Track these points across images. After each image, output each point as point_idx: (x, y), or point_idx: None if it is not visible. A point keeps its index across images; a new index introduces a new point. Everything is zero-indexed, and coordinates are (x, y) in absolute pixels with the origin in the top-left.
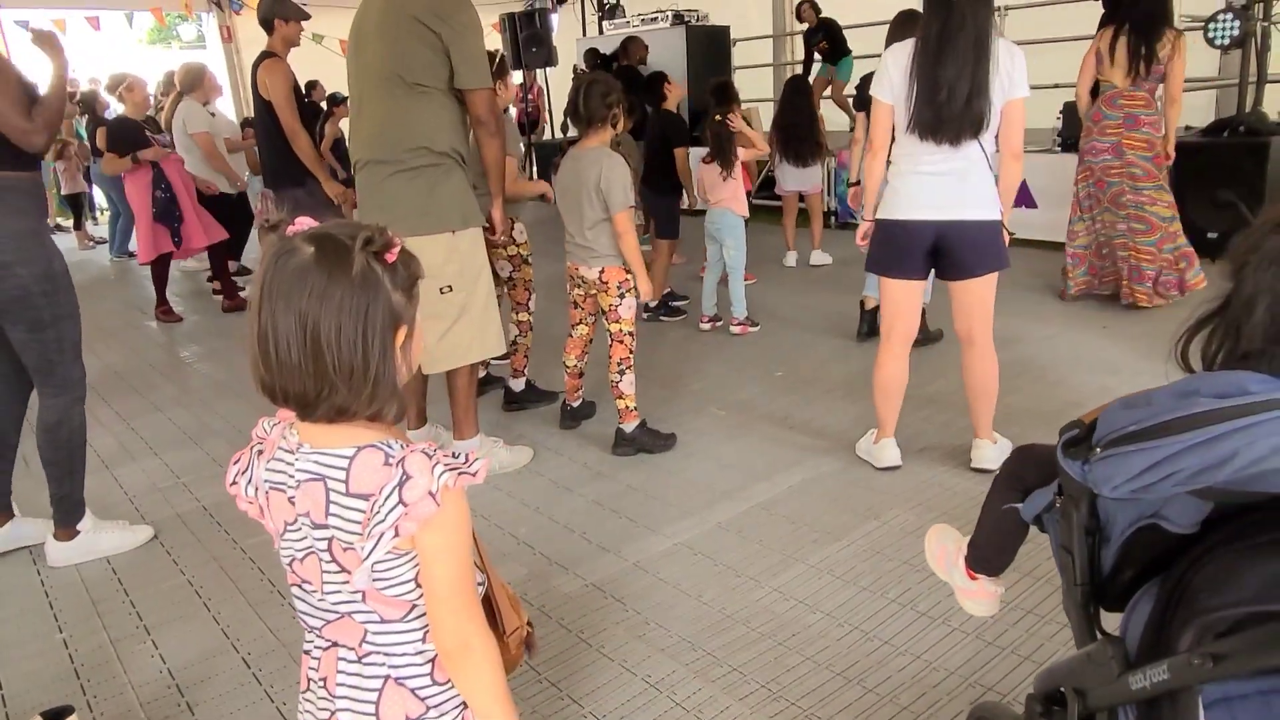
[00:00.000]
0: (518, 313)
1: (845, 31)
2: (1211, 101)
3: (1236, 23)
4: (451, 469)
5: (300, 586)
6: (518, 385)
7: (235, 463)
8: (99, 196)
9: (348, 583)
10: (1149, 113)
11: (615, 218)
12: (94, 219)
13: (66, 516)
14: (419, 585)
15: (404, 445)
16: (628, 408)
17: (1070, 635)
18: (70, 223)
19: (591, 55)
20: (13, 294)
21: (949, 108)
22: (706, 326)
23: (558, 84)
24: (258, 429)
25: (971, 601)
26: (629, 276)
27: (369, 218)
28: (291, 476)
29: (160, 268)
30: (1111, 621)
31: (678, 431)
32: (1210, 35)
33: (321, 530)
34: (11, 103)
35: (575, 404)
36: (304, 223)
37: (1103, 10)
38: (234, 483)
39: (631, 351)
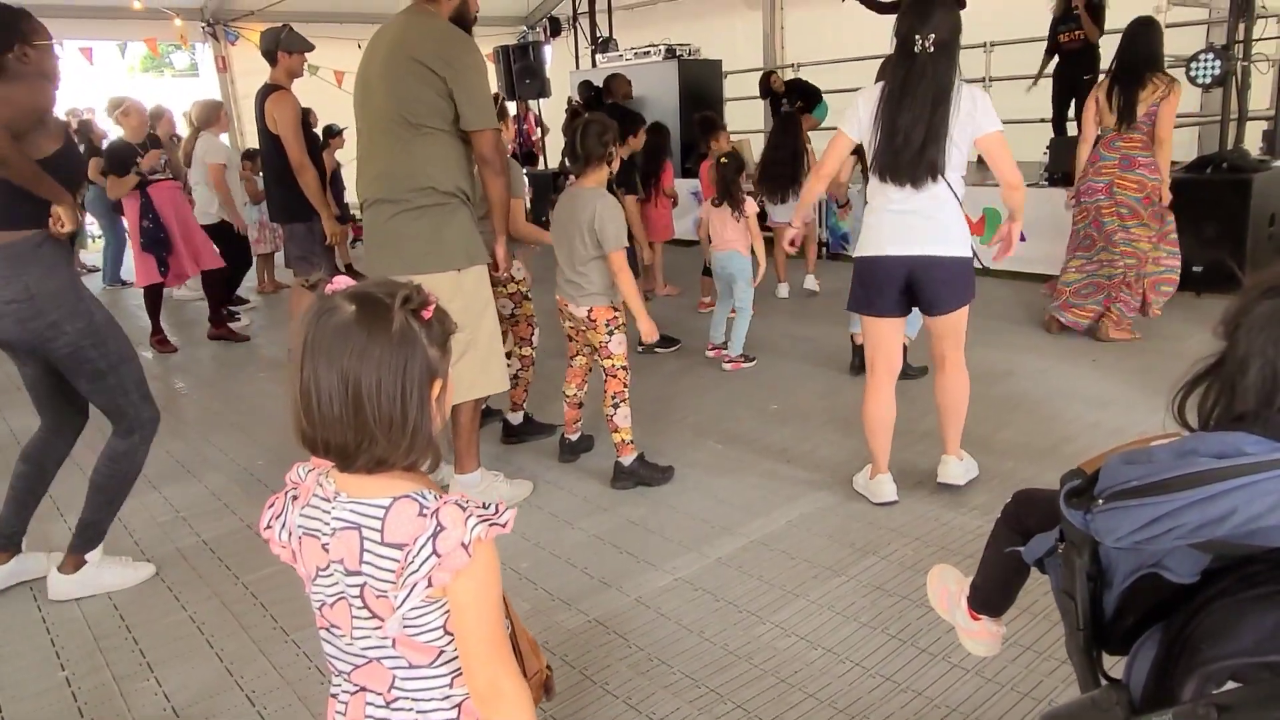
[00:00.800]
0: (521, 347)
1: (816, 68)
2: (1194, 138)
3: (1218, 62)
4: (483, 520)
5: (329, 630)
6: (516, 419)
7: (270, 507)
8: (93, 224)
9: (378, 628)
10: (1145, 154)
11: (610, 257)
12: (83, 246)
13: (84, 544)
14: (448, 632)
15: (438, 496)
16: (624, 441)
17: (1070, 672)
18: None
19: (585, 87)
20: (65, 350)
21: (904, 153)
22: (712, 354)
23: (552, 115)
24: (292, 474)
25: (973, 641)
26: (616, 314)
27: (375, 256)
28: (327, 524)
29: (154, 297)
30: (1112, 663)
31: (676, 465)
32: (1192, 74)
33: (354, 577)
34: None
35: (574, 437)
36: (341, 281)
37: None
38: (268, 527)
39: (625, 385)
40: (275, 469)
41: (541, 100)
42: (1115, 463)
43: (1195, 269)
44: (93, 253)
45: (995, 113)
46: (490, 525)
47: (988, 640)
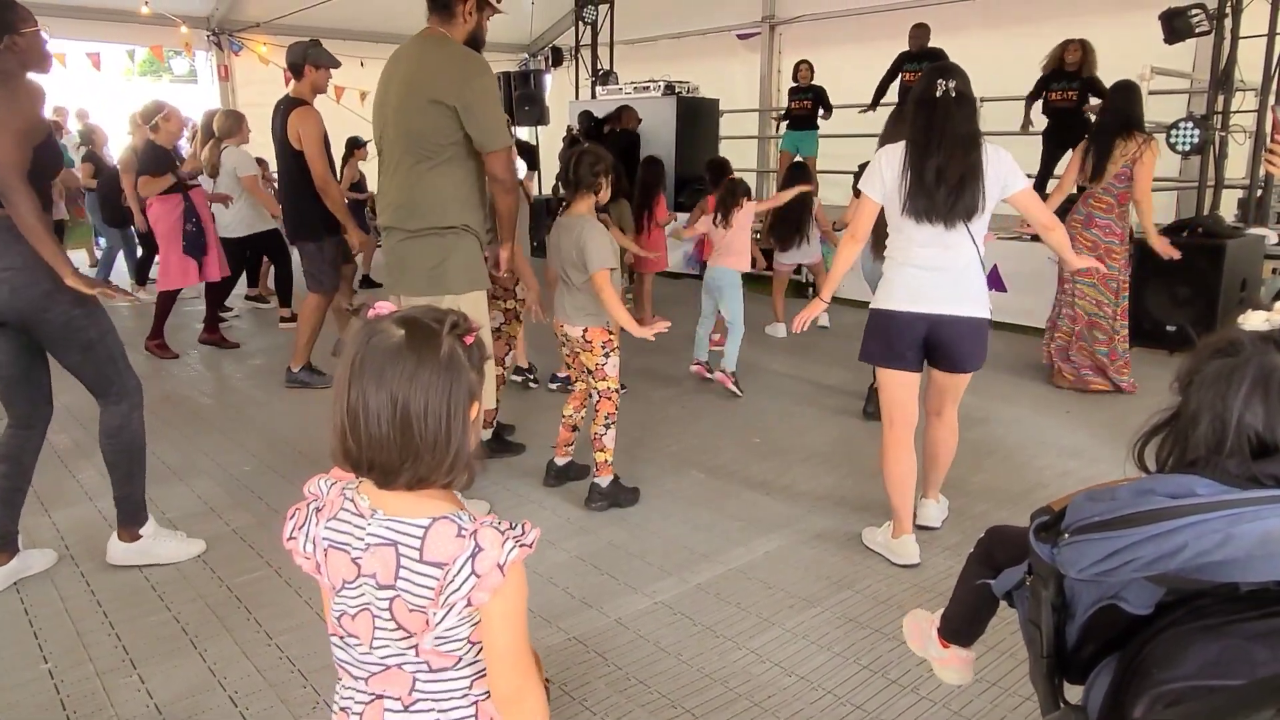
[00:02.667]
0: (496, 364)
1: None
2: (1173, 202)
3: (1197, 131)
4: (517, 542)
5: (343, 639)
6: (485, 435)
7: (291, 518)
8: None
9: (402, 639)
10: (1105, 216)
11: (593, 277)
12: (98, 244)
13: (130, 517)
14: (471, 643)
15: (472, 517)
16: (606, 461)
17: (1032, 708)
18: None
19: (586, 118)
20: (60, 320)
21: (938, 193)
22: (694, 370)
23: (549, 144)
24: (312, 486)
25: (946, 670)
26: (611, 336)
27: (389, 276)
28: (360, 540)
29: (168, 302)
30: (1073, 695)
31: (658, 492)
32: (1172, 141)
33: (386, 590)
34: (9, 167)
35: (562, 462)
36: (384, 307)
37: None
38: (291, 537)
39: (616, 408)
40: (262, 475)
41: (539, 128)
42: (1081, 500)
43: (1169, 328)
44: (75, 250)
45: (1018, 168)
46: (520, 547)
47: (959, 667)
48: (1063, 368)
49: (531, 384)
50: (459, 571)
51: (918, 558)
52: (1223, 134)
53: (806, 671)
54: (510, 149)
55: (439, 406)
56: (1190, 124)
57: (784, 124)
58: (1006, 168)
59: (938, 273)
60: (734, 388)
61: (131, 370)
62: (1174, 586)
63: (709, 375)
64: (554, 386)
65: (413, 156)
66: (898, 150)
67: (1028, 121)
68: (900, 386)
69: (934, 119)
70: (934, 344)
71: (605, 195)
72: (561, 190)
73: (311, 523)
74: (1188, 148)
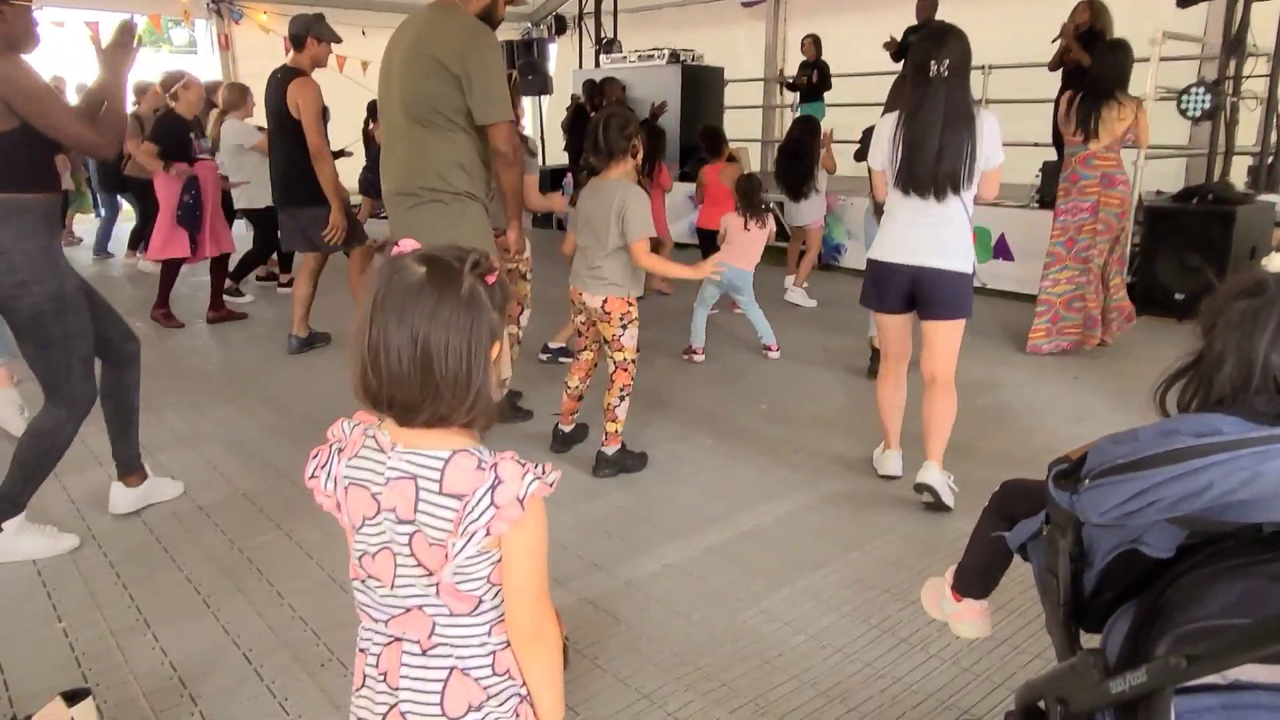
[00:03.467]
0: (507, 325)
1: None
2: (1182, 169)
3: (1208, 96)
4: (537, 478)
5: (364, 581)
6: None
7: (314, 458)
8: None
9: (423, 576)
10: (1121, 172)
11: (632, 246)
12: (98, 214)
13: (2, 515)
14: (491, 583)
15: (492, 452)
16: (616, 431)
17: (1041, 663)
18: None
19: (589, 86)
20: (27, 312)
21: (925, 170)
22: (685, 358)
23: (553, 113)
24: (335, 429)
25: (963, 624)
26: (631, 307)
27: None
28: (380, 475)
29: (172, 271)
30: (1088, 645)
31: (666, 458)
32: (1183, 106)
33: (406, 525)
34: (68, 117)
35: (567, 429)
36: (408, 244)
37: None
38: (313, 476)
39: (632, 379)
40: (269, 441)
41: (543, 97)
42: (1103, 443)
43: (1177, 296)
44: (80, 222)
45: (1000, 143)
46: (540, 482)
47: (975, 619)
48: (1094, 333)
49: (562, 359)
50: (478, 503)
51: (897, 470)
52: (1234, 99)
53: (816, 631)
54: (511, 123)
55: (459, 344)
56: (1202, 89)
57: (792, 94)
58: (991, 140)
59: (924, 229)
60: (777, 352)
61: (89, 382)
62: (1196, 529)
63: (699, 358)
64: (544, 358)
65: (418, 123)
66: (891, 121)
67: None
68: (891, 325)
69: (926, 97)
70: (918, 293)
71: (640, 157)
72: (591, 159)
73: (334, 462)
74: (1199, 113)
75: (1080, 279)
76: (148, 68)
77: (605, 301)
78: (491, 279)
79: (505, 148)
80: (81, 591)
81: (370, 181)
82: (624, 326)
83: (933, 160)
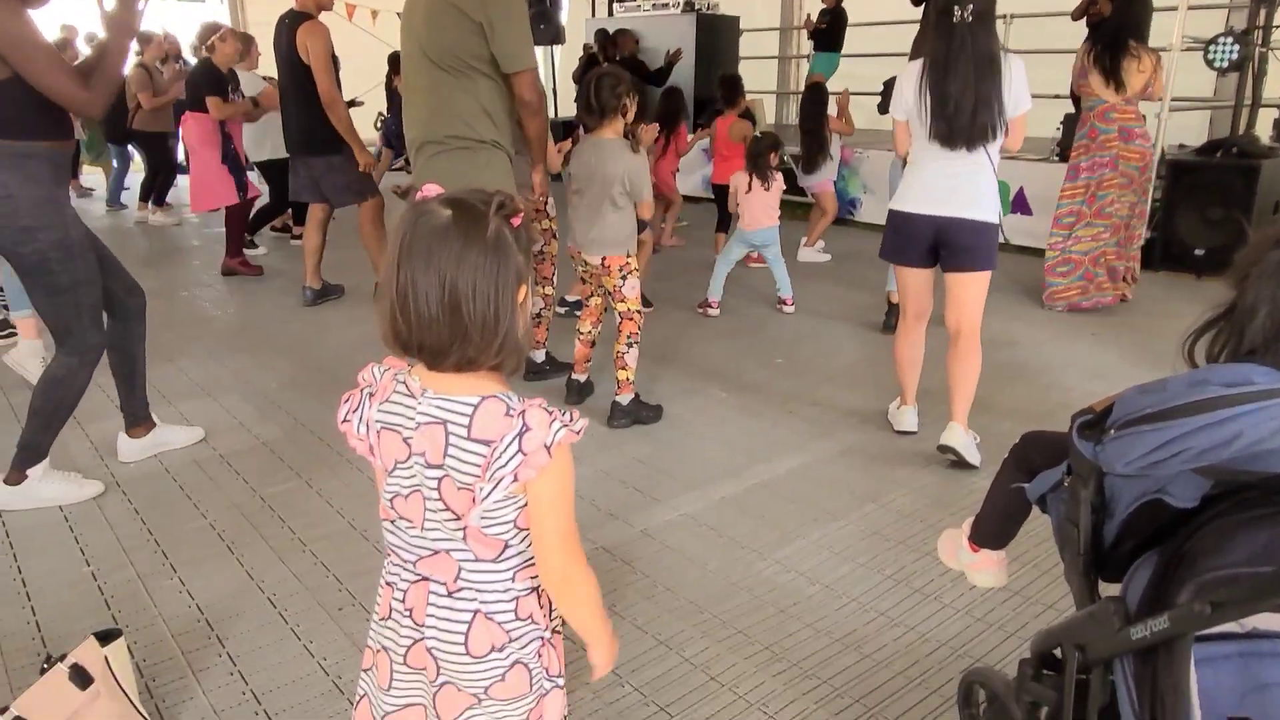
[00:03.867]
0: (543, 286)
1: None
2: (1206, 121)
3: (1236, 47)
4: (564, 425)
5: (394, 523)
6: (539, 356)
7: (345, 402)
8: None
9: (451, 520)
10: (1139, 125)
11: (640, 205)
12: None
13: (24, 462)
14: (517, 528)
15: (521, 398)
16: (628, 379)
17: (1054, 614)
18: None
19: (602, 35)
20: (33, 259)
21: (958, 120)
22: (701, 311)
23: (566, 64)
24: (366, 374)
25: (980, 573)
26: (629, 260)
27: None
28: (411, 419)
29: (241, 214)
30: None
31: (680, 411)
32: (1210, 57)
33: (435, 470)
34: (59, 72)
35: (581, 378)
36: (432, 189)
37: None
38: (345, 420)
39: (639, 328)
40: (289, 391)
41: (555, 47)
42: (1131, 393)
43: (1197, 252)
44: (90, 173)
45: (1027, 87)
46: (567, 430)
47: (992, 569)
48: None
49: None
50: (506, 449)
51: (912, 426)
52: (1263, 50)
53: (831, 580)
54: (535, 70)
55: (486, 287)
56: (1229, 39)
57: (809, 44)
58: (1019, 87)
59: (952, 179)
60: (791, 307)
61: (98, 330)
62: (1222, 479)
63: (714, 311)
64: (563, 311)
65: (443, 71)
66: (915, 69)
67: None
68: (913, 279)
69: (951, 45)
70: (942, 244)
71: (631, 116)
72: (584, 118)
73: (365, 406)
74: (1226, 64)
75: (1104, 235)
76: (154, 17)
77: (604, 260)
78: (517, 221)
79: (530, 95)
80: (108, 537)
81: (394, 134)
82: (624, 278)
83: (969, 112)
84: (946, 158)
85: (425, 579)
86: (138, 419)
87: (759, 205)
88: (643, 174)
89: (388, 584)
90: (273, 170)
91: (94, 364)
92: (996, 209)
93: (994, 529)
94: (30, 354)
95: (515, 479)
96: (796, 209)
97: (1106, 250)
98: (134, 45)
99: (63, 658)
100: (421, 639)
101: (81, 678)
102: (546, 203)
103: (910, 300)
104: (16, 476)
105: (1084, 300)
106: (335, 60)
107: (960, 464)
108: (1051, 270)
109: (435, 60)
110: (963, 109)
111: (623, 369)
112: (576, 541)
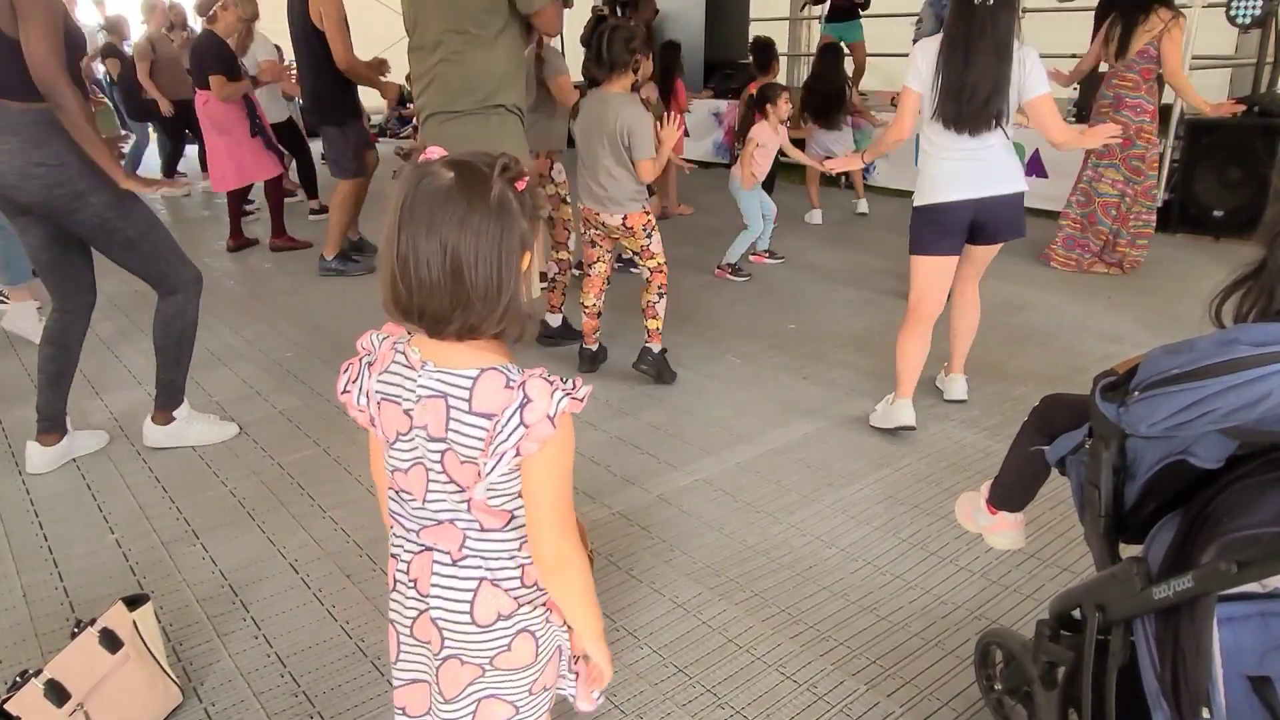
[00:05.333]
0: (558, 250)
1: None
2: (1226, 80)
3: (1259, 2)
4: (566, 394)
5: (398, 493)
6: (555, 320)
7: (344, 372)
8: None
9: (454, 493)
10: (1134, 95)
11: (639, 164)
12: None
13: (167, 401)
14: (522, 498)
15: (521, 369)
16: (657, 329)
17: (1069, 577)
18: None
19: None
20: (93, 222)
21: (970, 105)
22: (717, 274)
23: (573, 29)
24: (364, 341)
25: (998, 535)
26: (649, 216)
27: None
28: (411, 392)
29: (277, 196)
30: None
31: (694, 375)
32: (1233, 13)
33: (437, 443)
34: (50, 49)
35: (593, 348)
36: (435, 151)
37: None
38: (345, 391)
39: (667, 278)
40: (302, 360)
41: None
42: (1157, 354)
43: (1216, 213)
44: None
45: (1045, 74)
46: (570, 399)
47: (1011, 530)
48: (1056, 252)
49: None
50: (507, 422)
51: (912, 420)
52: None
53: (846, 544)
54: (556, 3)
55: (489, 253)
56: None
57: (818, 7)
58: (1032, 74)
59: (972, 160)
60: (739, 278)
61: (186, 261)
62: (1249, 440)
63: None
64: (576, 273)
65: (459, 33)
66: (933, 45)
67: None
68: (937, 273)
69: (971, 29)
70: (981, 223)
71: (646, 72)
72: (592, 70)
73: (364, 376)
74: (1249, 20)
75: (1086, 206)
76: None
77: (625, 219)
78: (521, 184)
79: (555, 30)
80: (131, 505)
81: None
82: (649, 235)
83: (982, 100)
84: (967, 142)
85: (429, 549)
86: (55, 425)
87: (759, 156)
88: (644, 127)
89: (393, 555)
90: (280, 132)
91: (199, 294)
92: (1022, 176)
93: (1013, 491)
94: (24, 314)
95: (518, 453)
96: (793, 173)
97: (1095, 226)
98: (140, 15)
99: (92, 622)
100: (426, 610)
101: (111, 641)
102: (552, 167)
103: (930, 298)
104: (164, 417)
105: (1063, 254)
106: (348, 24)
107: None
108: (1062, 232)
109: (449, 24)
110: (978, 95)
111: (654, 318)
112: (573, 519)
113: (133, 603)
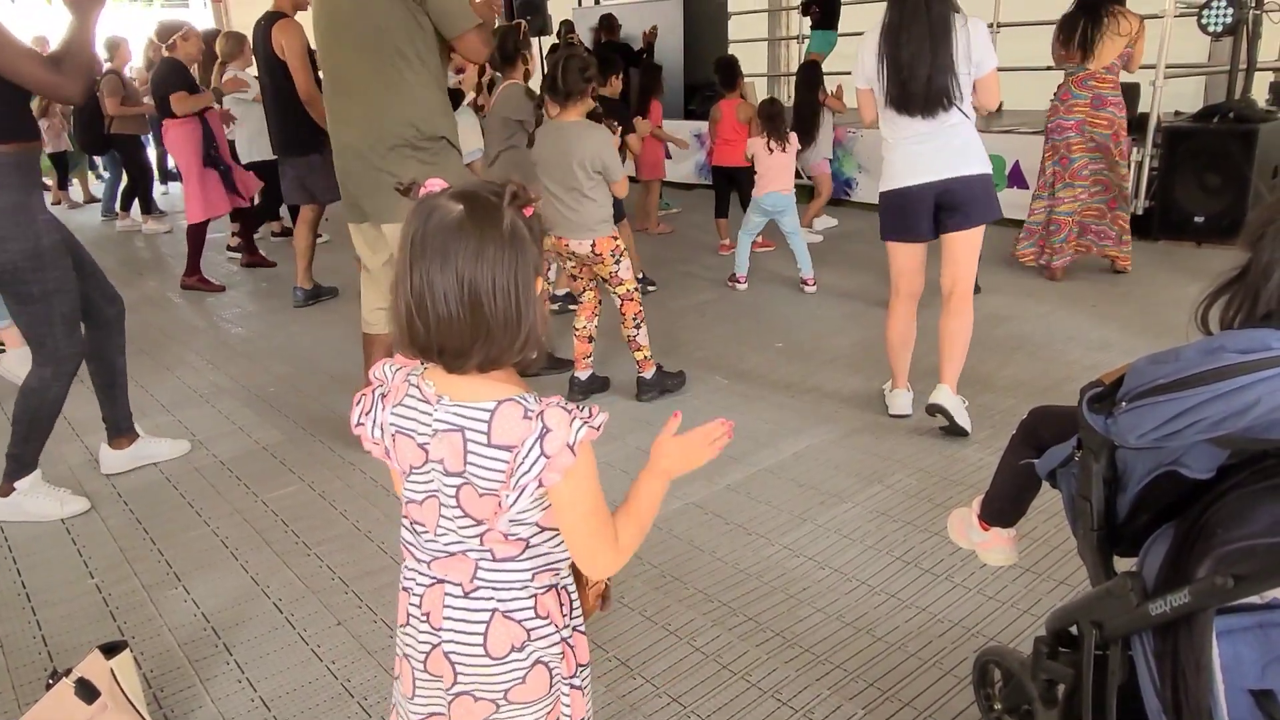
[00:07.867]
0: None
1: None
2: (1201, 87)
3: (1231, 10)
4: (584, 422)
5: (411, 524)
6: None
7: (357, 404)
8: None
9: (467, 526)
10: (1114, 94)
11: (614, 186)
12: (99, 177)
13: (13, 473)
14: (540, 527)
15: (538, 399)
16: (645, 357)
17: (1066, 590)
18: (54, 182)
19: (608, 20)
20: (6, 267)
21: (912, 85)
22: (730, 285)
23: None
24: (376, 371)
25: (991, 552)
26: (617, 241)
27: (361, 203)
28: (427, 426)
29: (198, 235)
30: (1118, 571)
31: (682, 399)
32: (1204, 21)
33: (454, 478)
34: (25, 59)
35: (583, 375)
36: (435, 184)
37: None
38: (359, 424)
39: (641, 306)
40: (287, 394)
41: (542, 38)
42: (1142, 364)
43: (1197, 219)
44: (95, 184)
45: (991, 46)
46: (589, 427)
47: (1003, 547)
48: (1055, 266)
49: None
50: (528, 454)
51: (907, 409)
52: (1257, 13)
53: (840, 564)
54: (481, 26)
55: (506, 282)
56: (1224, 2)
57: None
58: (980, 47)
59: (933, 141)
60: (814, 287)
61: (74, 338)
62: (1239, 448)
63: (742, 286)
64: (554, 307)
65: (383, 62)
66: (873, 35)
67: None
68: (908, 257)
69: (906, 11)
70: (944, 207)
71: (615, 89)
72: (548, 99)
73: (378, 408)
74: (1220, 28)
75: (1083, 195)
76: (140, 22)
77: (594, 245)
78: (529, 211)
79: (481, 56)
80: (111, 548)
81: None
82: (617, 261)
83: (924, 78)
84: (920, 127)
85: (441, 581)
86: (120, 430)
87: (775, 167)
88: (611, 151)
89: (404, 589)
90: (263, 172)
91: (70, 375)
92: (986, 158)
93: (1004, 506)
94: (20, 361)
95: (540, 484)
96: (798, 192)
97: (1090, 208)
98: (103, 54)
99: (68, 672)
100: (439, 643)
101: (87, 691)
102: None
103: (905, 279)
104: (5, 488)
105: (1059, 259)
106: (312, 56)
107: (952, 429)
108: (1029, 230)
109: (373, 52)
110: (917, 75)
111: (638, 349)
112: (612, 533)
113: (110, 650)
